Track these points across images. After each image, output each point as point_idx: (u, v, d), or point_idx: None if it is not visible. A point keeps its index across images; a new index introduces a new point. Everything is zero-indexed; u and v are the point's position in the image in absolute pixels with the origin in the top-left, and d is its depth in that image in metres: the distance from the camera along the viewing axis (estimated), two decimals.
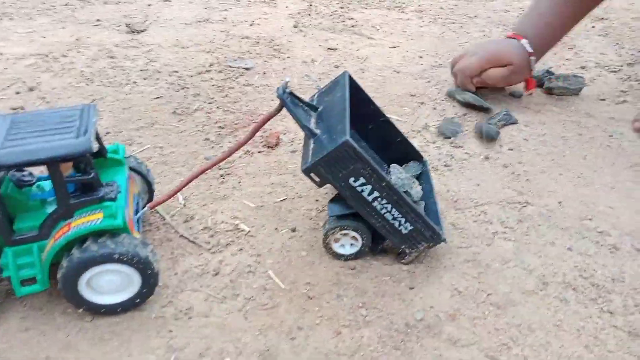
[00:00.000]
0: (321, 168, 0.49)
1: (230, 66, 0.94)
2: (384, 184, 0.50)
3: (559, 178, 0.70)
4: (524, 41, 0.83)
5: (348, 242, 0.55)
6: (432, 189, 0.60)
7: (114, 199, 0.47)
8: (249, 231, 0.59)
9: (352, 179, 0.50)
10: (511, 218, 0.62)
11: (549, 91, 0.90)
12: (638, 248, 0.59)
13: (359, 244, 0.55)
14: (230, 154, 0.54)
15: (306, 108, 0.54)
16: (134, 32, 1.06)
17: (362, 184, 0.50)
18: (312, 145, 0.51)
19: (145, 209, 0.52)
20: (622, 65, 1.02)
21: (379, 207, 0.51)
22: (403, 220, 0.52)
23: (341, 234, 0.54)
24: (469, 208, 0.63)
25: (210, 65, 0.95)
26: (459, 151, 0.74)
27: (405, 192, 0.57)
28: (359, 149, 0.48)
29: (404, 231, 0.53)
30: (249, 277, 0.54)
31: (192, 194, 0.64)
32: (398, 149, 0.64)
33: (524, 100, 0.88)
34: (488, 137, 0.76)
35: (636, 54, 1.05)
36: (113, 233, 0.45)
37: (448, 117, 0.81)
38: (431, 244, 0.54)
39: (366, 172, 0.49)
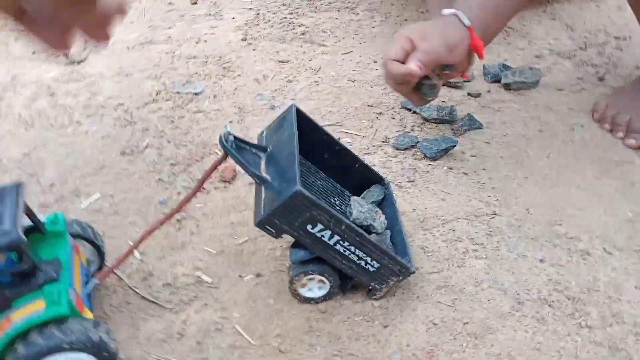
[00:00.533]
0: (275, 220, 0.46)
1: (178, 92, 0.90)
2: (343, 226, 0.47)
3: (525, 182, 0.68)
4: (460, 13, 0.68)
5: (315, 286, 0.52)
6: (397, 213, 0.58)
7: (56, 280, 0.43)
8: (212, 282, 0.56)
9: (309, 226, 0.47)
10: (480, 232, 0.61)
11: (507, 87, 0.89)
12: (609, 251, 0.58)
13: (327, 286, 0.52)
14: (179, 209, 0.51)
15: (254, 151, 0.51)
16: (73, 62, 1.00)
17: (321, 230, 0.47)
18: (263, 195, 0.48)
19: (96, 280, 0.49)
20: (575, 50, 1.01)
21: (341, 249, 0.49)
22: (369, 259, 0.50)
23: (307, 279, 0.52)
24: (436, 227, 0.62)
25: (157, 94, 0.90)
26: (421, 163, 0.73)
27: (369, 225, 0.55)
28: (311, 196, 0.45)
29: (371, 269, 0.50)
30: (216, 335, 0.51)
31: (148, 246, 0.61)
32: (358, 175, 0.61)
33: (483, 100, 0.86)
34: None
35: (588, 36, 1.05)
36: (59, 319, 0.42)
37: (404, 132, 0.79)
38: (401, 277, 0.52)
39: (323, 218, 0.47)
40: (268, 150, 0.52)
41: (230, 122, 0.49)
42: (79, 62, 1.01)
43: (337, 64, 0.98)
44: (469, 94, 0.87)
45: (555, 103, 0.85)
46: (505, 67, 0.92)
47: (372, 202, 0.60)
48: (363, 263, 0.50)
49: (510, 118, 0.81)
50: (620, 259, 0.57)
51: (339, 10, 1.22)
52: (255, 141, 0.54)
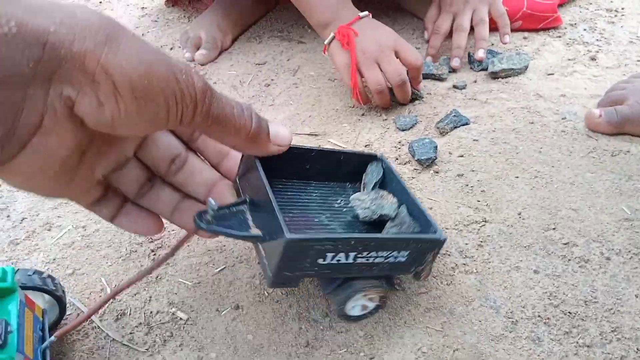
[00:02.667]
0: (284, 273, 0.43)
1: None
2: (352, 242, 0.43)
3: (516, 182, 0.65)
4: None
5: (362, 302, 0.50)
6: (402, 183, 0.54)
7: (1, 346, 0.40)
8: (188, 319, 0.53)
9: (320, 260, 0.44)
10: (470, 244, 0.58)
11: (494, 76, 0.84)
12: (607, 256, 0.55)
13: (377, 296, 0.50)
14: (149, 271, 0.47)
15: (235, 209, 0.47)
16: None
17: (334, 257, 0.44)
18: (263, 252, 0.45)
19: (52, 338, 0.46)
20: (565, 28, 0.97)
21: (364, 260, 0.45)
22: (395, 252, 0.46)
23: (353, 302, 0.49)
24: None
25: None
26: (406, 168, 0.69)
27: (380, 215, 0.51)
28: (304, 236, 0.42)
29: (403, 259, 0.47)
30: None
31: (121, 281, 0.58)
32: (349, 165, 0.57)
33: (470, 91, 0.82)
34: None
35: (578, 10, 1.00)
36: None
37: (385, 133, 0.75)
38: (436, 249, 0.48)
39: (329, 246, 0.43)
40: (247, 200, 0.48)
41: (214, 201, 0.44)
42: None
43: (316, 63, 0.94)
44: (454, 87, 0.83)
45: (546, 89, 0.81)
46: (492, 52, 0.88)
47: (375, 184, 0.56)
48: (392, 259, 0.47)
49: (498, 110, 0.77)
50: (619, 265, 0.54)
51: None
52: None
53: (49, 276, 0.49)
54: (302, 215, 0.53)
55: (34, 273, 0.49)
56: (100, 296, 0.56)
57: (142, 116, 0.33)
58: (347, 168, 0.57)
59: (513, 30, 0.94)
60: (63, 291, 0.51)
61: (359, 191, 0.56)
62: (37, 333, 0.45)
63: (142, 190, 0.47)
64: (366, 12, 0.79)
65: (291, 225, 0.48)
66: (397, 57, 0.76)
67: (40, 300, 0.49)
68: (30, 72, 0.29)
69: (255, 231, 0.45)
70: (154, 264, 0.46)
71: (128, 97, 0.32)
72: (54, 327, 0.51)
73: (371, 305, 0.50)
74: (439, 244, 0.48)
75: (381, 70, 0.75)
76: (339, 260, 0.45)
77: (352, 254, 0.44)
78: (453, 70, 0.87)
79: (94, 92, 0.31)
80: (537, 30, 0.96)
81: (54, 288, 0.49)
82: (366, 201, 0.52)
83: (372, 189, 0.55)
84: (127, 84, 0.31)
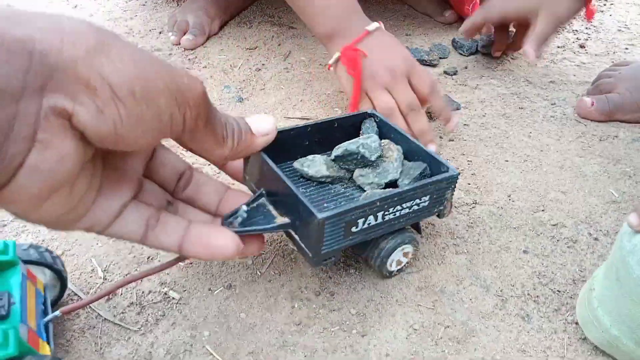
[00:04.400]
0: (324, 251, 0.44)
1: None
2: (377, 202, 0.45)
3: (505, 166, 0.65)
4: None
5: (399, 256, 0.51)
6: (402, 133, 0.54)
7: (5, 317, 0.40)
8: (180, 298, 0.53)
9: (353, 228, 0.45)
10: (460, 225, 0.58)
11: (485, 50, 0.85)
12: (595, 237, 0.56)
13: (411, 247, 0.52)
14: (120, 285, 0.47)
15: (256, 204, 0.47)
16: None
17: (364, 222, 0.45)
18: (296, 237, 0.46)
19: (57, 313, 0.45)
20: None
21: (391, 216, 0.47)
22: (417, 201, 0.48)
23: (391, 259, 0.51)
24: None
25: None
26: None
27: (388, 164, 0.52)
28: (334, 212, 0.42)
29: (425, 204, 0.49)
30: (186, 357, 0.48)
31: (112, 262, 0.57)
32: (345, 128, 0.57)
33: (460, 77, 0.83)
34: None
35: None
36: None
37: None
38: (452, 187, 0.49)
39: (357, 214, 0.44)
40: (263, 192, 0.48)
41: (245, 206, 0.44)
42: None
43: (307, 48, 0.94)
44: (445, 72, 0.84)
45: (535, 76, 0.82)
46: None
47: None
48: (416, 207, 0.48)
49: (488, 96, 0.78)
50: (606, 245, 0.54)
51: None
52: None
53: (47, 250, 0.49)
54: (317, 190, 0.53)
55: (29, 247, 0.48)
56: (91, 277, 0.56)
57: (145, 121, 0.31)
58: (344, 132, 0.57)
59: None
60: (62, 265, 0.50)
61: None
62: (39, 306, 0.45)
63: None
64: (376, 24, 0.68)
65: (313, 202, 0.48)
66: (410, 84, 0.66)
67: (41, 276, 0.49)
68: (20, 83, 0.27)
69: (281, 220, 0.46)
70: (154, 269, 0.47)
71: (128, 100, 0.30)
72: (55, 303, 0.51)
73: (404, 260, 0.52)
74: (454, 179, 0.49)
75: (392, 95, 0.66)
76: (369, 223, 0.46)
77: (380, 214, 0.46)
78: (444, 57, 0.88)
79: (92, 99, 0.29)
80: None
81: (53, 262, 0.49)
82: (369, 176, 0.52)
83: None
84: (125, 86, 0.29)
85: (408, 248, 0.51)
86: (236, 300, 0.52)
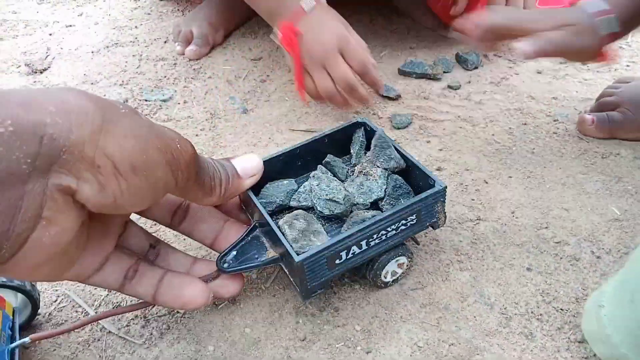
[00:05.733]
0: (312, 286, 0.46)
1: (146, 100, 0.86)
2: (359, 233, 0.45)
3: (509, 182, 0.66)
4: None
5: (394, 267, 0.52)
6: (390, 144, 0.54)
7: None
8: (185, 312, 0.53)
9: (337, 261, 0.46)
10: (464, 241, 0.58)
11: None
12: (598, 255, 0.56)
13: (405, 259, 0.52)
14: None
15: (250, 237, 0.49)
16: (35, 72, 0.96)
17: (348, 252, 0.46)
18: (286, 270, 0.47)
19: (27, 340, 0.45)
20: None
21: (378, 241, 0.47)
22: (403, 221, 0.48)
23: (385, 271, 0.52)
24: (419, 237, 0.59)
25: (124, 102, 0.86)
26: None
27: (369, 175, 0.53)
28: (313, 252, 0.43)
29: (413, 222, 0.49)
30: None
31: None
32: (336, 141, 0.58)
33: (464, 91, 0.83)
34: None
35: None
36: None
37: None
38: (442, 199, 0.50)
39: (339, 248, 0.45)
40: (257, 224, 0.49)
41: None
42: (41, 71, 0.96)
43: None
44: (449, 87, 0.84)
45: (538, 91, 0.82)
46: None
47: (359, 148, 0.57)
48: (403, 227, 0.48)
49: (492, 111, 0.78)
50: (609, 264, 0.55)
51: None
52: None
53: None
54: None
55: None
56: (96, 289, 0.56)
57: (143, 190, 0.33)
58: (335, 144, 0.58)
59: None
60: (34, 288, 0.50)
61: (351, 161, 0.58)
62: (6, 331, 0.44)
63: (148, 259, 0.47)
64: (313, 2, 0.70)
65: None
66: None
67: (12, 299, 0.49)
68: (28, 168, 0.28)
69: (272, 254, 0.47)
70: (129, 307, 0.48)
71: (129, 175, 0.32)
72: (26, 326, 0.51)
73: (399, 270, 0.53)
74: (441, 194, 0.49)
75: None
76: (354, 252, 0.46)
77: (363, 243, 0.46)
78: (448, 71, 0.88)
79: (94, 177, 0.31)
80: None
81: (23, 285, 0.48)
82: (354, 196, 0.53)
83: (357, 156, 0.56)
84: (126, 162, 0.31)
85: (402, 259, 0.52)
86: (241, 315, 0.53)
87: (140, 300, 0.46)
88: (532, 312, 0.51)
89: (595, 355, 0.47)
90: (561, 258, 0.56)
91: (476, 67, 0.88)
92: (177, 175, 0.36)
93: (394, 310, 0.52)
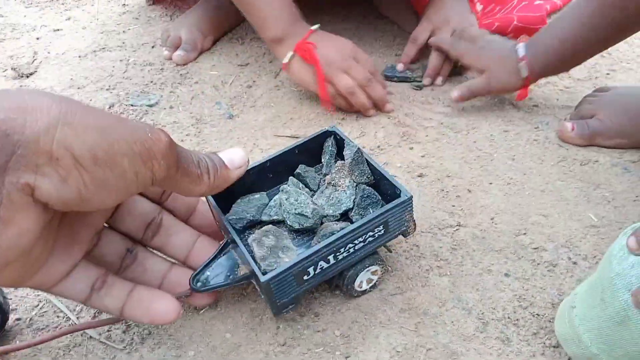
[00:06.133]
0: (281, 302, 0.47)
1: (132, 105, 0.86)
2: (325, 249, 0.46)
3: (489, 188, 0.67)
4: (520, 45, 0.74)
5: (367, 277, 0.53)
6: (359, 151, 0.54)
7: None
8: None
9: (305, 277, 0.46)
10: (444, 247, 0.59)
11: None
12: (574, 261, 0.57)
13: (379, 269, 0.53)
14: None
15: (223, 255, 0.49)
16: (22, 76, 0.96)
17: (315, 268, 0.46)
18: (257, 287, 0.49)
19: None
20: None
21: (346, 254, 0.48)
22: (370, 233, 0.48)
23: (359, 281, 0.52)
24: (399, 243, 0.60)
25: (110, 107, 0.86)
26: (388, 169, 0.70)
27: (337, 186, 0.53)
28: (279, 271, 0.44)
29: (382, 233, 0.49)
30: None
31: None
32: (307, 151, 0.58)
33: (448, 98, 0.84)
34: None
35: None
36: None
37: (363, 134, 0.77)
38: (409, 208, 0.50)
39: (306, 264, 0.45)
40: (228, 240, 0.50)
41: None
42: (28, 76, 0.96)
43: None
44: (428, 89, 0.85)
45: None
46: None
47: (330, 157, 0.58)
48: (371, 238, 0.49)
49: (474, 117, 0.80)
50: (585, 269, 0.56)
51: None
52: None
53: None
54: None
55: None
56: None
57: (110, 183, 0.33)
58: (307, 154, 0.58)
59: None
60: (3, 297, 0.50)
61: (322, 171, 0.58)
62: None
63: (124, 263, 0.47)
64: (317, 25, 0.80)
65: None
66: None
67: None
68: None
69: (244, 271, 0.47)
70: (98, 322, 0.48)
71: (90, 167, 0.31)
72: None
73: (374, 277, 0.53)
74: (407, 203, 0.49)
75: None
76: (322, 267, 0.47)
77: (331, 257, 0.46)
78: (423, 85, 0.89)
79: (55, 170, 0.30)
80: None
81: None
82: (323, 208, 0.53)
83: (328, 166, 0.57)
84: (87, 153, 0.31)
85: (374, 268, 0.52)
86: (221, 320, 0.53)
87: (109, 317, 0.46)
88: (508, 318, 0.52)
89: (569, 358, 0.48)
90: (538, 264, 0.57)
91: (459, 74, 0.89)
92: (151, 166, 0.34)
93: (374, 316, 0.53)
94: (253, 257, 0.46)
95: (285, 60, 0.80)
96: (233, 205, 0.54)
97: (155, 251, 0.50)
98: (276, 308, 0.47)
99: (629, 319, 0.39)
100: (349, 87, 0.77)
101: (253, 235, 0.49)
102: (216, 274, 0.47)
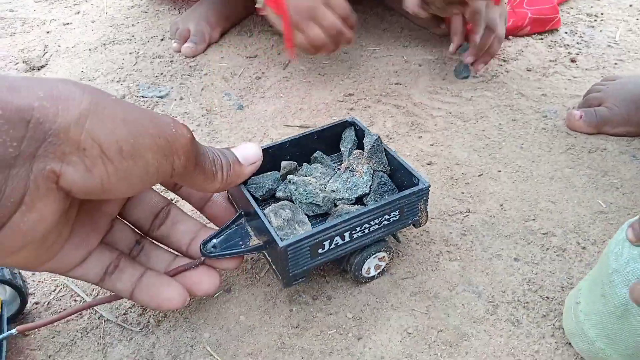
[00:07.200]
0: (294, 272, 0.47)
1: (143, 96, 0.87)
2: (343, 224, 0.46)
3: (498, 175, 0.67)
4: None
5: (375, 263, 0.53)
6: (378, 142, 0.55)
7: None
8: None
9: (320, 250, 0.47)
10: (454, 233, 0.60)
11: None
12: (583, 246, 0.58)
13: (386, 255, 0.53)
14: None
15: (236, 225, 0.49)
16: (33, 69, 0.97)
17: (331, 243, 0.47)
18: (269, 258, 0.49)
19: (13, 331, 0.46)
20: (547, 30, 1.00)
21: (361, 234, 0.48)
22: (386, 216, 0.49)
23: (367, 266, 0.53)
24: (410, 228, 0.61)
25: (122, 99, 0.87)
26: None
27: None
28: (296, 239, 0.44)
29: (396, 218, 0.50)
30: (187, 357, 0.50)
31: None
32: (325, 139, 0.59)
33: (455, 88, 0.85)
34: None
35: (560, 16, 1.03)
36: None
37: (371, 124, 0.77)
38: (424, 198, 0.51)
39: (322, 237, 0.46)
40: (242, 212, 0.50)
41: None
42: (39, 68, 0.97)
43: (307, 57, 0.96)
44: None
45: (528, 89, 0.84)
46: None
47: (351, 147, 0.58)
48: (386, 222, 0.49)
49: (482, 107, 0.80)
50: (594, 254, 0.56)
51: None
52: None
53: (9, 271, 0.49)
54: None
55: None
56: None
57: (132, 175, 0.33)
58: (324, 142, 0.59)
59: (521, 35, 0.98)
60: (23, 281, 0.51)
61: (341, 159, 0.59)
62: None
63: (132, 253, 0.48)
64: None
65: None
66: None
67: (1, 292, 0.50)
68: (15, 151, 0.29)
69: (255, 242, 0.48)
70: (102, 299, 0.49)
71: (115, 158, 0.32)
72: (14, 318, 0.52)
73: (382, 263, 0.54)
74: (424, 192, 0.50)
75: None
76: (337, 243, 0.47)
77: (346, 234, 0.47)
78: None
79: (81, 160, 0.31)
80: (541, 33, 0.99)
81: (12, 278, 0.49)
82: (340, 191, 0.54)
83: (349, 155, 0.57)
84: (113, 145, 0.32)
85: (381, 254, 0.53)
86: (235, 303, 0.54)
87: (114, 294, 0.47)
88: (518, 300, 0.53)
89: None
90: (548, 249, 0.58)
91: (466, 77, 0.89)
92: (172, 161, 0.36)
93: (385, 299, 0.53)
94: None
95: (258, 5, 0.78)
96: (249, 179, 0.54)
97: (160, 244, 0.50)
98: (287, 278, 0.47)
99: (629, 313, 0.40)
100: (319, 39, 0.76)
101: (270, 206, 0.50)
102: (227, 243, 0.48)
